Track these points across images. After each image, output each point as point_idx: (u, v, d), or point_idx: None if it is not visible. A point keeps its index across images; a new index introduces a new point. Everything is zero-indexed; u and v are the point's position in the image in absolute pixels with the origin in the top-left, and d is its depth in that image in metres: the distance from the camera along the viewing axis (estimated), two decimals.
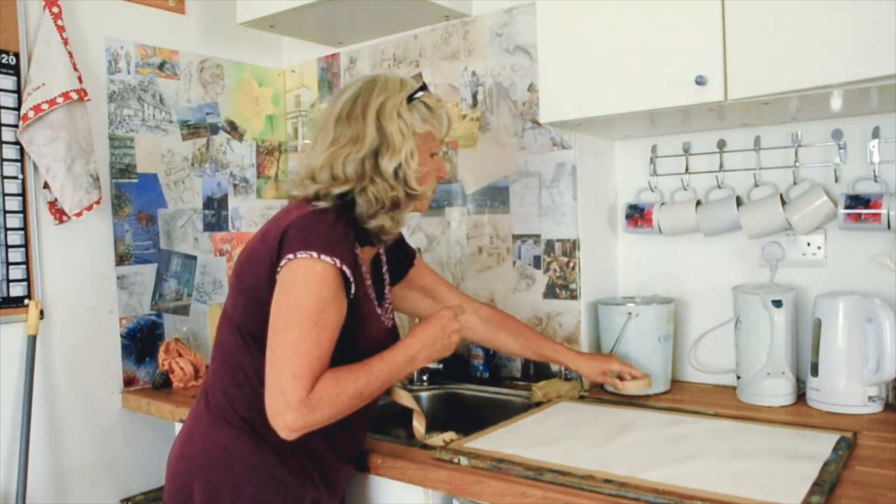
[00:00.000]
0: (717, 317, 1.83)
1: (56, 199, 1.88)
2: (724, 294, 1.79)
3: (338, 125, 1.29)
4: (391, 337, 1.39)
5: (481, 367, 2.00)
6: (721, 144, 1.81)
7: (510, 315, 1.72)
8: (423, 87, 1.32)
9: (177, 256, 2.21)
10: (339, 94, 1.34)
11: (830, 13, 1.27)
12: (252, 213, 2.43)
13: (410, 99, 1.30)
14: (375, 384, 1.22)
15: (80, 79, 1.88)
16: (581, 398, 1.72)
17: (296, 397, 1.12)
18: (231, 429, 1.25)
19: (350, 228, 1.24)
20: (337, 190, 1.24)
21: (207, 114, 2.30)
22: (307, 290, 1.15)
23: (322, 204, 1.25)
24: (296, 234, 1.17)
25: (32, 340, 1.84)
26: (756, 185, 1.77)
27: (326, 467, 1.31)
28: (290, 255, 1.16)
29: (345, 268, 1.19)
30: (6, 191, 1.84)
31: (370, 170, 1.25)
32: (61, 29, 1.86)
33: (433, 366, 1.95)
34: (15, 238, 1.85)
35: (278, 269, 1.18)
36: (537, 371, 1.94)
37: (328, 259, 1.16)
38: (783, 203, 1.67)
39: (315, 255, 1.16)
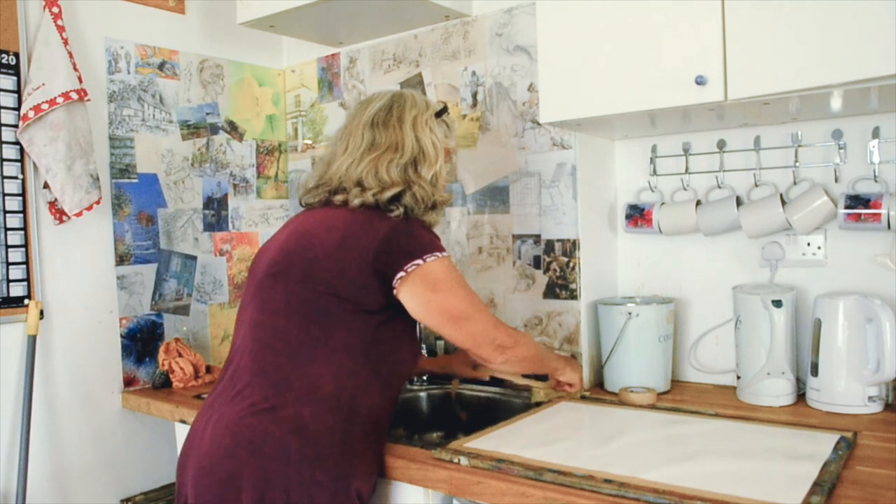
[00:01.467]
0: (717, 317, 1.83)
1: (56, 199, 1.88)
2: (724, 294, 1.79)
3: (373, 130, 1.42)
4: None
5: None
6: (721, 144, 1.81)
7: None
8: (446, 109, 1.53)
9: (177, 256, 2.21)
10: (365, 103, 1.48)
11: (830, 13, 1.27)
12: (252, 213, 2.43)
13: (437, 116, 1.48)
14: (543, 358, 1.57)
15: (80, 79, 1.88)
16: (581, 398, 1.72)
17: (504, 333, 1.43)
18: (280, 420, 1.24)
19: None
20: (388, 193, 1.37)
21: (207, 114, 2.30)
22: (454, 280, 1.37)
23: (396, 212, 1.37)
24: (407, 242, 1.34)
25: (32, 340, 1.85)
26: (756, 185, 1.77)
27: (375, 456, 1.34)
28: (418, 261, 1.32)
29: None
30: (6, 191, 1.84)
31: (412, 175, 1.40)
32: (61, 29, 1.86)
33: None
34: (15, 238, 1.85)
35: (400, 275, 1.31)
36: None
37: (447, 253, 1.38)
38: (783, 203, 1.67)
39: (439, 254, 1.35)
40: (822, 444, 1.29)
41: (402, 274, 1.31)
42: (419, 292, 1.33)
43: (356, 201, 1.37)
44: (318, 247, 1.33)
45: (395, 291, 1.33)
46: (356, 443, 1.28)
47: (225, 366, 1.41)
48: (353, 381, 1.30)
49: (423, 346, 1.97)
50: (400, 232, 1.34)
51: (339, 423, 1.27)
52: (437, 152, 1.44)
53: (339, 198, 1.40)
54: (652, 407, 1.62)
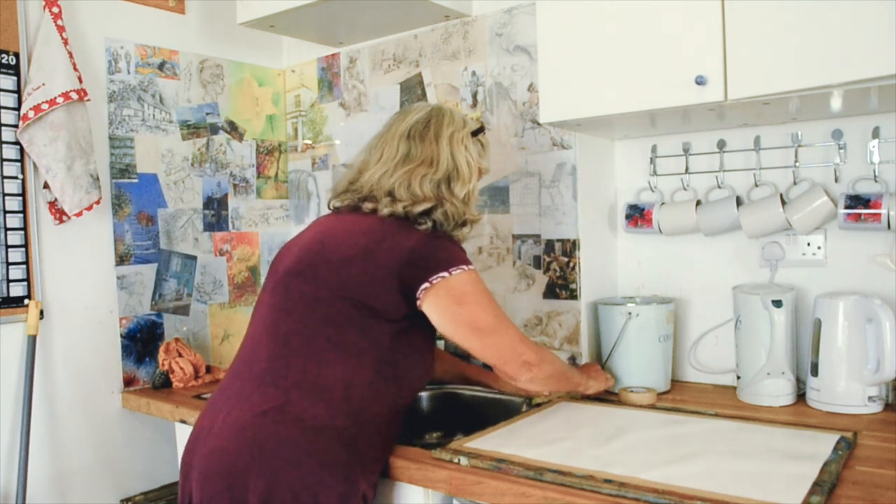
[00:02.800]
0: (717, 317, 1.83)
1: (56, 199, 1.88)
2: (724, 294, 1.79)
3: (409, 142, 1.41)
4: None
5: (481, 367, 1.99)
6: (721, 144, 1.81)
7: None
8: (483, 128, 1.52)
9: (177, 256, 2.21)
10: (403, 114, 1.48)
11: (830, 13, 1.27)
12: (252, 213, 2.43)
13: (473, 135, 1.48)
14: (568, 375, 1.56)
15: (80, 79, 1.88)
16: (581, 398, 1.72)
17: (530, 349, 1.41)
18: (291, 421, 1.24)
19: None
20: (419, 207, 1.36)
21: (207, 114, 2.30)
22: (481, 293, 1.36)
23: (424, 226, 1.37)
24: (434, 253, 1.33)
25: (32, 340, 1.85)
26: (756, 185, 1.77)
27: (381, 461, 1.34)
28: (444, 273, 1.31)
29: None
30: (6, 191, 1.84)
31: (445, 192, 1.39)
32: (61, 29, 1.86)
33: None
34: (15, 238, 1.85)
35: (424, 286, 1.30)
36: None
37: (473, 266, 1.37)
38: (783, 203, 1.67)
39: (465, 267, 1.34)
40: (822, 444, 1.29)
41: (426, 285, 1.30)
42: (444, 304, 1.32)
43: (385, 210, 1.37)
44: (344, 251, 1.33)
45: (418, 302, 1.32)
46: (365, 447, 1.28)
47: (236, 360, 1.40)
48: (366, 386, 1.30)
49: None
50: (427, 244, 1.34)
51: (349, 427, 1.27)
52: (472, 171, 1.44)
53: (368, 205, 1.40)
54: (652, 407, 1.62)
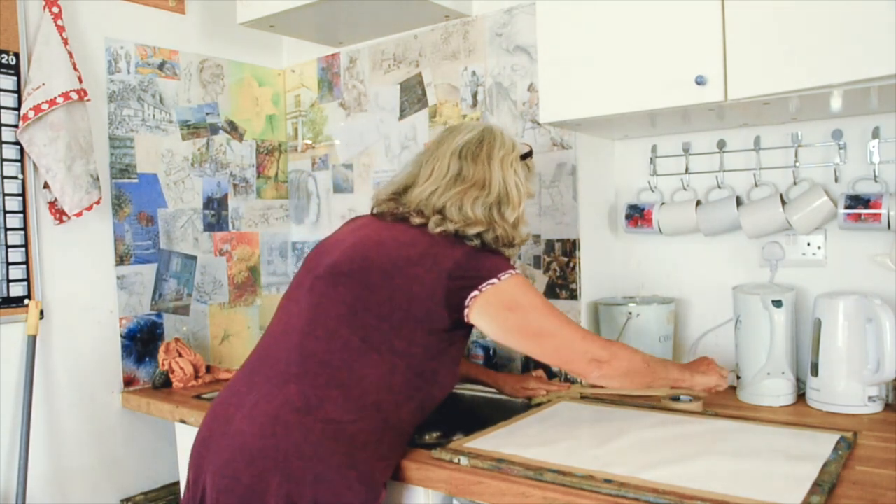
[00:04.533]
0: (717, 317, 1.83)
1: (56, 199, 1.88)
2: (724, 294, 1.79)
3: (461, 161, 1.40)
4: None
5: (487, 368, 1.99)
6: (721, 144, 1.81)
7: None
8: (531, 152, 1.51)
9: (177, 256, 2.21)
10: (454, 131, 1.47)
11: (830, 13, 1.27)
12: (252, 213, 2.43)
13: (523, 158, 1.47)
14: (654, 370, 1.44)
15: (80, 79, 1.88)
16: (581, 398, 1.72)
17: (597, 346, 1.37)
18: (319, 422, 1.23)
19: None
20: (471, 231, 1.35)
21: (207, 114, 2.30)
22: (532, 294, 1.35)
23: (472, 242, 1.36)
24: (482, 263, 1.32)
25: (32, 340, 1.85)
26: (756, 185, 1.77)
27: (395, 463, 1.33)
28: (493, 280, 1.30)
29: None
30: (6, 191, 1.84)
31: (497, 216, 1.39)
32: (61, 29, 1.86)
33: None
34: (15, 238, 1.85)
35: (473, 294, 1.29)
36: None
37: (520, 271, 1.37)
38: (783, 203, 1.67)
39: (513, 272, 1.34)
40: (822, 444, 1.29)
41: (475, 293, 1.29)
42: (495, 312, 1.31)
43: (437, 229, 1.35)
44: (394, 259, 1.32)
45: (465, 311, 1.30)
46: (387, 450, 1.29)
47: (257, 356, 1.38)
48: (396, 394, 1.29)
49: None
50: (473, 255, 1.33)
51: (376, 432, 1.27)
52: (521, 195, 1.43)
53: (417, 220, 1.38)
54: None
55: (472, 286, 1.30)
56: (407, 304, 1.29)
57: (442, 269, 1.30)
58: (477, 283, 1.30)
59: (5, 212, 1.83)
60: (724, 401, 1.67)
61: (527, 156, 1.49)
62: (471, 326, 1.35)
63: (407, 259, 1.32)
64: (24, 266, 1.86)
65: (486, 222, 1.37)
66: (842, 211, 1.58)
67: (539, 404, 1.69)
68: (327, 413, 1.24)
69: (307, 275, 1.41)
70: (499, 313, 1.32)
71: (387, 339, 1.29)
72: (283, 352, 1.33)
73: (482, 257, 1.34)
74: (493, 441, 1.38)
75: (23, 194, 1.86)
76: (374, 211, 1.50)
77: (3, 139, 1.84)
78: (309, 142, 2.50)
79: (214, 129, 2.32)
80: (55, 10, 1.86)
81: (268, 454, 1.21)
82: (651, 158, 1.92)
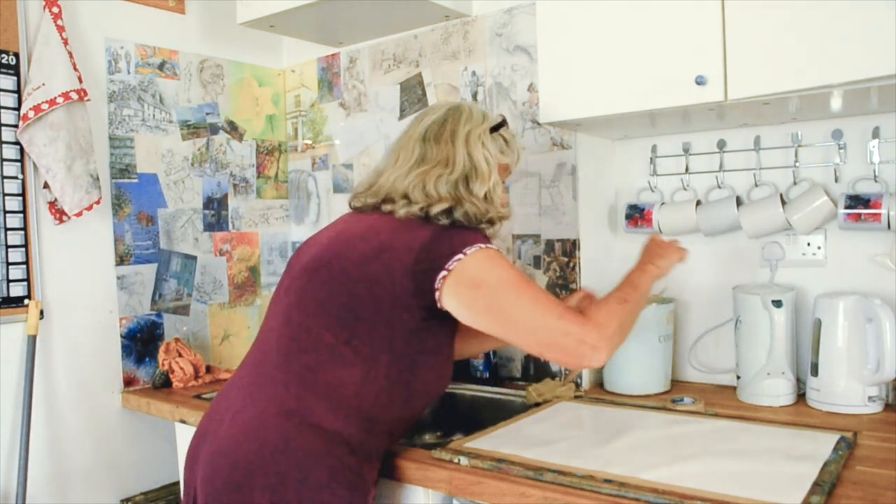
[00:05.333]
0: (717, 317, 1.83)
1: (56, 199, 1.88)
2: (724, 294, 1.79)
3: (424, 145, 1.38)
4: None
5: (481, 367, 2.00)
6: (721, 144, 1.81)
7: None
8: (504, 122, 1.43)
9: (177, 256, 2.21)
10: (421, 116, 1.44)
11: (830, 13, 1.27)
12: (252, 213, 2.43)
13: (493, 130, 1.40)
14: (633, 299, 1.32)
15: (80, 79, 1.88)
16: (577, 398, 1.72)
17: (577, 325, 1.20)
18: (301, 424, 1.22)
19: None
20: (436, 208, 1.30)
21: (207, 114, 2.30)
22: (501, 269, 1.24)
23: (442, 222, 1.30)
24: (450, 241, 1.24)
25: (32, 340, 1.85)
26: (756, 185, 1.77)
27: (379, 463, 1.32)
28: (460, 256, 1.22)
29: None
30: (6, 191, 1.84)
31: (464, 191, 1.33)
32: (61, 29, 1.86)
33: None
34: (15, 238, 1.85)
35: (442, 274, 1.21)
36: (537, 371, 1.94)
37: (492, 245, 1.27)
38: (783, 203, 1.67)
39: (482, 245, 1.25)
40: (822, 444, 1.29)
41: (443, 273, 1.21)
42: (463, 291, 1.22)
43: (402, 212, 1.32)
44: (361, 250, 1.30)
45: (437, 295, 1.23)
46: (372, 451, 1.28)
47: (248, 359, 1.38)
48: (377, 391, 1.26)
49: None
50: (442, 233, 1.27)
51: (359, 432, 1.25)
52: (491, 168, 1.37)
53: (387, 207, 1.36)
54: (647, 399, 1.59)
55: (440, 266, 1.22)
56: (377, 297, 1.25)
57: (410, 251, 1.24)
58: (444, 262, 1.22)
59: (5, 212, 1.83)
60: (724, 401, 1.67)
61: (498, 127, 1.42)
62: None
63: (376, 249, 1.28)
64: (24, 266, 1.86)
65: (452, 198, 1.31)
66: (842, 211, 1.58)
67: (538, 404, 1.69)
68: (311, 415, 1.23)
69: (287, 275, 1.40)
70: (466, 292, 1.22)
71: (360, 335, 1.25)
72: (265, 354, 1.32)
73: (451, 234, 1.27)
74: (493, 441, 1.38)
75: (23, 194, 1.86)
76: (353, 205, 1.47)
77: (3, 139, 1.84)
78: (309, 142, 2.50)
79: (214, 129, 2.32)
80: (55, 10, 1.86)
81: (252, 459, 1.21)
82: (651, 158, 1.92)
